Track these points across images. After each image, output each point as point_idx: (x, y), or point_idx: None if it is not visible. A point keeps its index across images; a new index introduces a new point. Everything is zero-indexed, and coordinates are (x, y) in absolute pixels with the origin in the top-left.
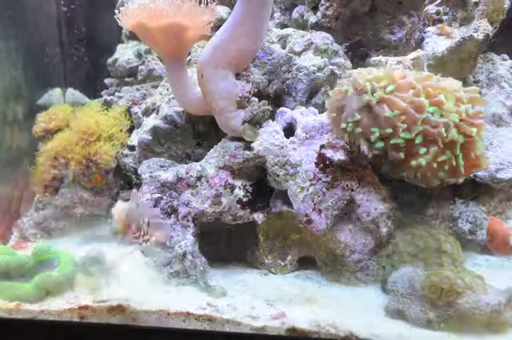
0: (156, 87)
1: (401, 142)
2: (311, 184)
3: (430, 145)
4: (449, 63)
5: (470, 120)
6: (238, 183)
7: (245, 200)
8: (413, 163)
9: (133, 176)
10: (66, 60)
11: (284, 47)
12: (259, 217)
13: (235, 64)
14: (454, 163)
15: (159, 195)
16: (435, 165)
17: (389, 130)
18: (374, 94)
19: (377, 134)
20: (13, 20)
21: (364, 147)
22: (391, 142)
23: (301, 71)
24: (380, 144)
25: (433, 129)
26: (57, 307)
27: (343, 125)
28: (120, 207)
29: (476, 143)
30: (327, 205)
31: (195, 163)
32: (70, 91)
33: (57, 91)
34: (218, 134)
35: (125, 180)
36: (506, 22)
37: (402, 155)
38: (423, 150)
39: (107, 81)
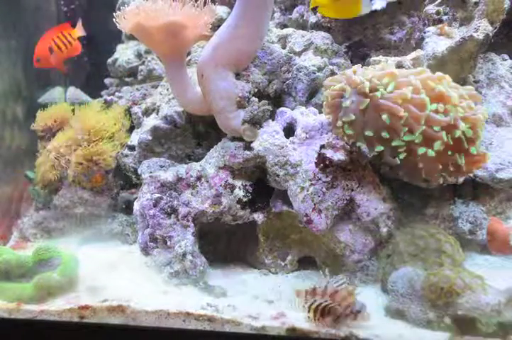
0: (156, 87)
1: (402, 145)
2: (311, 184)
3: (433, 143)
4: (449, 63)
5: (472, 115)
6: (238, 183)
7: (245, 200)
8: (422, 151)
9: (133, 176)
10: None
11: (284, 47)
12: (259, 217)
13: (235, 64)
14: (459, 161)
15: (159, 195)
16: (439, 165)
17: (385, 134)
18: (376, 93)
19: (371, 135)
20: (13, 20)
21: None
22: (393, 144)
23: (301, 71)
24: (380, 148)
25: (435, 133)
26: (57, 307)
27: (339, 123)
28: None
29: (478, 138)
30: (327, 205)
31: (195, 163)
32: (71, 89)
33: (58, 89)
34: (218, 134)
35: (125, 180)
36: (506, 22)
37: (402, 156)
38: (422, 150)
39: (107, 81)
